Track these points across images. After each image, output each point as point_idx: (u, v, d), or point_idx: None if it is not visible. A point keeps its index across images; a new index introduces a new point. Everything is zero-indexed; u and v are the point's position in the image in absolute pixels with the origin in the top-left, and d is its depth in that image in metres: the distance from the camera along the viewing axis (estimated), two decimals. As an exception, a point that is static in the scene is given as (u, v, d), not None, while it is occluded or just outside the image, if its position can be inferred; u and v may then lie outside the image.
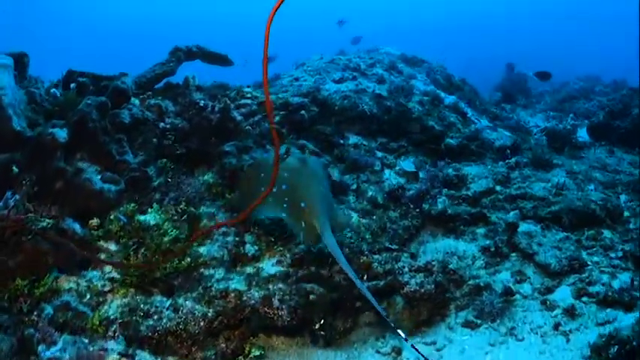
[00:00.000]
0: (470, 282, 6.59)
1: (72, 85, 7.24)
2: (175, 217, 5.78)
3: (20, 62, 7.40)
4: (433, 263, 6.27)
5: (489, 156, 9.73)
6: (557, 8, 58.35)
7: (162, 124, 7.06)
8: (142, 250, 5.33)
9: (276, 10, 3.13)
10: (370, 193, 7.48)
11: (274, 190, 5.18)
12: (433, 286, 5.99)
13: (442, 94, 10.77)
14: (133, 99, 7.11)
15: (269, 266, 5.85)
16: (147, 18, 58.11)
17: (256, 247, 6.00)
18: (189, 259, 5.35)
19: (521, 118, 14.02)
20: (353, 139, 8.88)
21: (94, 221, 5.64)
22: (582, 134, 12.00)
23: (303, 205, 5.27)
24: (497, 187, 8.50)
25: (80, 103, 6.59)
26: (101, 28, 54.01)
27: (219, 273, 5.48)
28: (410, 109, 9.62)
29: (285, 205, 5.38)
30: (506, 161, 9.41)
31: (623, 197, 8.60)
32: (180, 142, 7.08)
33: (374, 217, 6.96)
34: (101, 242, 5.52)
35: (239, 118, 7.46)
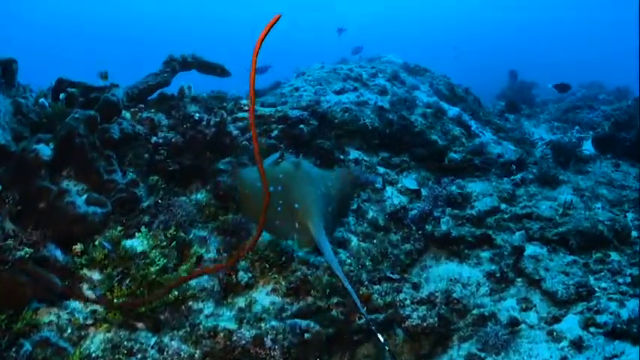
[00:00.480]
0: (474, 311, 6.20)
1: (61, 96, 6.80)
2: (164, 244, 5.35)
3: (8, 69, 6.98)
4: (436, 294, 5.88)
5: (494, 171, 9.35)
6: (557, 14, 58.08)
7: (154, 139, 6.66)
8: (127, 282, 4.91)
9: (264, 37, 2.83)
10: (371, 214, 7.07)
11: (270, 190, 5.02)
12: (436, 319, 5.60)
13: (445, 106, 10.36)
14: (124, 112, 6.69)
15: (263, 295, 5.46)
16: (143, 21, 57.71)
17: (250, 275, 5.60)
18: (176, 292, 4.93)
19: (526, 128, 13.65)
20: (354, 153, 8.47)
21: (78, 247, 5.22)
22: (587, 146, 11.65)
23: (297, 206, 5.16)
24: (503, 206, 8.12)
25: (69, 115, 6.21)
26: (96, 31, 53.67)
27: (209, 307, 5.07)
28: (412, 123, 9.22)
29: (279, 209, 5.23)
30: (512, 177, 9.03)
31: (630, 215, 8.26)
32: (173, 157, 6.69)
33: (374, 240, 6.55)
34: (84, 270, 5.10)
35: (235, 132, 7.07)
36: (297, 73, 11.76)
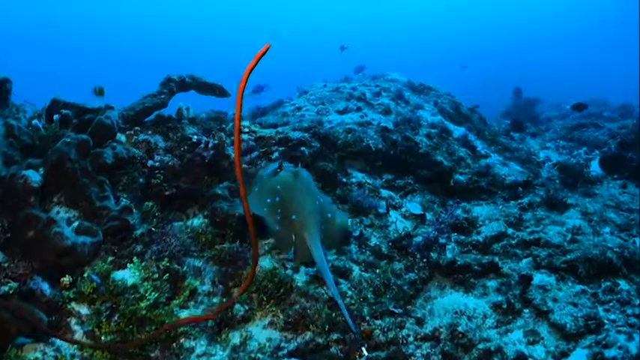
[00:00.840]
0: (480, 345, 5.85)
1: (55, 117, 6.54)
2: (156, 276, 5.05)
3: (2, 89, 6.74)
4: (441, 329, 5.56)
5: (500, 194, 9.05)
6: (559, 30, 57.95)
7: (150, 162, 6.38)
8: (116, 317, 4.61)
9: (253, 67, 2.66)
10: (374, 241, 6.76)
11: (268, 200, 5.22)
12: (440, 357, 5.28)
13: (451, 126, 10.09)
14: (119, 135, 6.42)
15: (259, 330, 5.16)
16: (143, 40, 57.68)
17: (246, 307, 5.30)
18: (168, 321, 4.62)
19: (531, 147, 13.38)
20: (357, 176, 8.18)
21: (66, 279, 4.93)
22: (594, 167, 11.38)
23: (294, 217, 5.12)
24: (510, 231, 7.83)
25: (62, 138, 5.96)
26: (96, 48, 53.68)
27: (202, 345, 4.76)
28: (417, 144, 8.93)
29: (278, 218, 5.19)
30: (519, 201, 8.73)
31: (638, 241, 7.94)
32: (169, 181, 6.41)
33: (377, 270, 6.23)
34: (72, 305, 4.80)
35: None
36: (299, 91, 11.54)
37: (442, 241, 7.03)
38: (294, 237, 5.05)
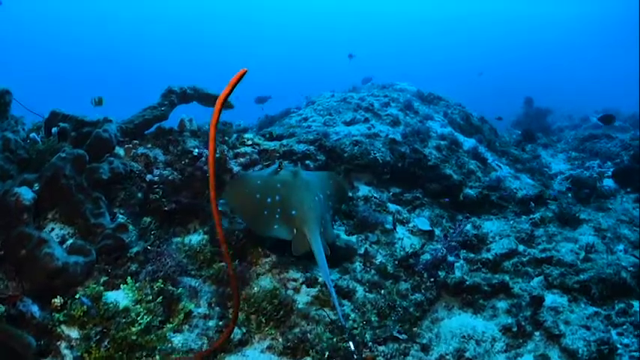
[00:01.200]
0: (489, 372, 5.55)
1: (54, 130, 6.31)
2: (150, 298, 4.78)
3: (1, 102, 6.54)
4: (447, 357, 5.24)
5: (511, 208, 8.70)
6: (570, 38, 57.32)
7: (149, 177, 6.13)
8: (106, 342, 4.34)
9: (229, 92, 2.58)
10: (380, 259, 6.43)
11: (269, 201, 5.34)
12: (447, 386, 4.95)
13: (461, 138, 9.75)
14: (117, 148, 6.18)
15: (257, 354, 4.87)
16: (145, 51, 57.52)
17: (244, 330, 5.01)
18: (158, 358, 4.33)
19: (543, 158, 13.02)
20: (363, 189, 7.88)
21: (57, 301, 4.67)
22: (607, 180, 10.99)
23: (294, 213, 5.22)
24: (521, 248, 7.50)
25: (60, 151, 5.73)
26: (99, 58, 53.59)
27: (195, 373, 4.46)
28: (426, 156, 8.61)
29: (277, 216, 5.30)
30: (531, 216, 8.37)
31: (653, 259, 7.57)
32: (169, 196, 6.15)
33: (382, 291, 5.91)
34: (62, 327, 4.54)
35: (237, 169, 6.53)
36: (307, 101, 11.26)
37: (450, 259, 6.71)
38: (295, 231, 5.13)
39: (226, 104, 7.36)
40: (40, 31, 56.59)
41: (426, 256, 6.73)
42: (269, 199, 5.35)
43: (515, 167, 10.94)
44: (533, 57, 55.74)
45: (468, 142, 9.78)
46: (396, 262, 6.40)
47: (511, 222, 8.24)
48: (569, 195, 9.95)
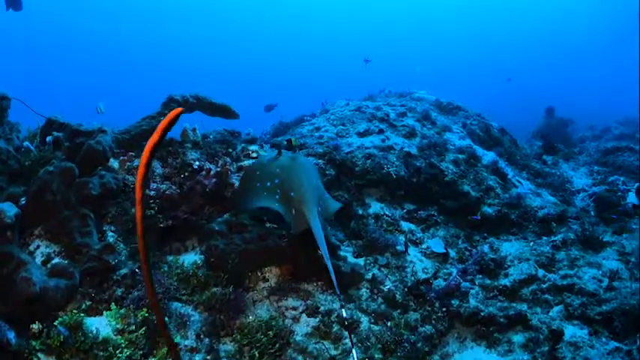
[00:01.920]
0: (502, 415, 4.90)
1: (48, 139, 5.81)
2: (133, 327, 4.24)
3: (-2, 107, 6.08)
4: (459, 402, 4.59)
5: (531, 228, 7.98)
6: (591, 48, 55.71)
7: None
8: (80, 379, 3.80)
9: (159, 138, 2.18)
10: (388, 285, 5.79)
11: (268, 184, 5.37)
12: None
13: (479, 151, 9.04)
14: (112, 160, 5.64)
15: (249, 393, 4.28)
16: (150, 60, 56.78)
17: (236, 364, 4.43)
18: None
19: (564, 172, 12.21)
20: (375, 206, 7.24)
21: (36, 326, 4.16)
22: (631, 197, 10.17)
23: (292, 194, 5.19)
24: (540, 273, 6.83)
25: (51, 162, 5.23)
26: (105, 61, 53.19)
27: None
28: (442, 171, 7.94)
29: (277, 197, 5.30)
30: (552, 238, 7.64)
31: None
32: (166, 211, 5.60)
33: (389, 323, 5.28)
34: (40, 356, 4.03)
35: (238, 184, 5.92)
36: (322, 108, 10.66)
37: (465, 285, 6.06)
38: (293, 211, 5.09)
39: (231, 114, 6.82)
40: (56, 35, 56.31)
41: (439, 281, 6.09)
42: (268, 183, 5.37)
43: (535, 182, 10.20)
44: (556, 62, 54.20)
45: (488, 156, 9.07)
46: (406, 290, 5.75)
47: (531, 244, 7.54)
48: (592, 213, 9.21)
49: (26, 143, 5.83)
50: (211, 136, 6.84)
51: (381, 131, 8.59)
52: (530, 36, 58.91)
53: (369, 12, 63.76)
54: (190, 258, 5.46)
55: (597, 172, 12.98)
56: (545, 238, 7.77)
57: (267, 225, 5.79)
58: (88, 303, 4.55)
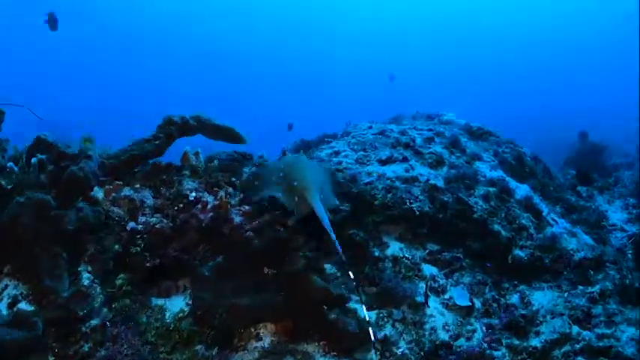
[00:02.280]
0: None
1: (33, 160, 5.13)
2: (95, 399, 3.49)
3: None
4: None
5: (566, 275, 7.02)
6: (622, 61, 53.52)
7: (131, 225, 4.87)
8: None
9: None
10: (402, 349, 4.94)
11: (272, 179, 5.50)
12: None
13: (512, 184, 8.10)
14: (96, 189, 4.92)
15: None
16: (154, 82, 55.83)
17: None
18: None
19: (599, 205, 11.17)
20: (393, 246, 6.39)
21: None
22: (670, 235, 9.13)
23: (295, 184, 5.18)
24: (574, 330, 5.90)
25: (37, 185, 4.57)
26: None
27: None
28: (471, 207, 7.04)
29: (281, 188, 5.33)
30: (589, 289, 6.68)
31: None
32: (154, 248, 4.87)
33: (400, 396, 4.43)
34: None
35: (238, 219, 5.16)
36: (344, 130, 9.85)
37: (490, 349, 5.18)
38: (296, 199, 5.06)
39: (237, 138, 6.08)
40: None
41: (461, 342, 5.22)
42: (273, 178, 5.50)
43: (570, 218, 9.22)
44: (592, 79, 52.13)
45: (521, 190, 8.14)
46: (422, 354, 4.88)
47: (565, 294, 6.60)
48: (629, 256, 8.20)
49: (10, 164, 5.17)
50: (216, 160, 6.07)
51: (404, 159, 7.72)
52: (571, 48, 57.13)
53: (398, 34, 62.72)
54: (179, 302, 4.72)
55: (633, 205, 11.92)
56: (580, 287, 6.85)
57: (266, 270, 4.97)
58: (51, 359, 3.85)
